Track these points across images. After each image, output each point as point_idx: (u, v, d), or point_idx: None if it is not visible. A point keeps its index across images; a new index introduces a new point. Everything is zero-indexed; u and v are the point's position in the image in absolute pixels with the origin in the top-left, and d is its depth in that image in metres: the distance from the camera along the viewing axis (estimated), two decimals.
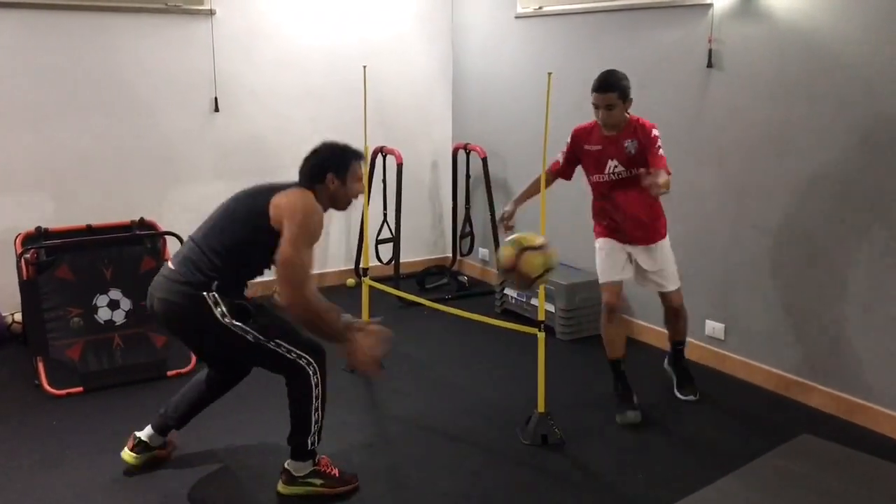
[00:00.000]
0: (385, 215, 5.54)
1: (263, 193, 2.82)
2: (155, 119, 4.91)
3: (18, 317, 4.39)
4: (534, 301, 4.73)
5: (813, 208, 3.69)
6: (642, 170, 3.46)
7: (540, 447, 3.35)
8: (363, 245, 4.45)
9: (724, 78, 4.00)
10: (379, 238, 5.55)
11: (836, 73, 3.53)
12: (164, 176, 5.00)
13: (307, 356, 2.84)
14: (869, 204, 3.47)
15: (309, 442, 2.90)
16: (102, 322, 4.02)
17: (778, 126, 3.79)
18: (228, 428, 3.44)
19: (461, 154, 5.75)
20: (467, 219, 5.77)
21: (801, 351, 3.82)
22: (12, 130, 4.52)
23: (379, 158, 5.48)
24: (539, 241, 3.11)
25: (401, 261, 5.43)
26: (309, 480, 2.92)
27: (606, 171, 3.58)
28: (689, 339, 4.35)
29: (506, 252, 3.11)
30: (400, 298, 4.75)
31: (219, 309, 2.73)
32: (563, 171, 3.79)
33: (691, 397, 3.82)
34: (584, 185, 4.89)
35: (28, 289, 3.98)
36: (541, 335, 3.40)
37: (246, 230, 2.81)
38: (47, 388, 3.79)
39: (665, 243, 3.69)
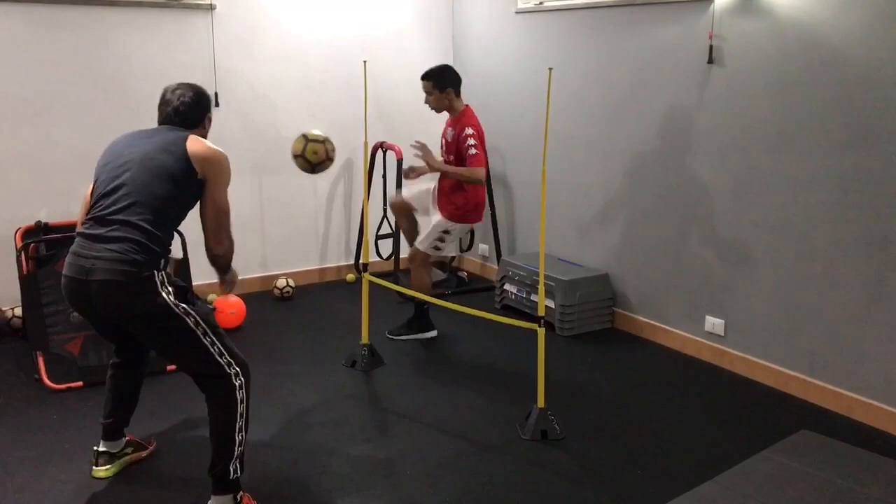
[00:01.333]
0: (385, 211, 5.54)
1: (167, 146, 2.69)
2: (155, 114, 4.87)
3: (18, 311, 4.39)
4: (534, 297, 4.74)
5: (812, 204, 3.69)
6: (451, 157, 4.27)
7: (539, 442, 3.35)
8: (363, 240, 4.45)
9: (724, 74, 3.99)
10: (379, 234, 5.55)
11: (837, 69, 3.53)
12: None
13: (237, 367, 2.66)
14: (868, 200, 3.47)
15: (231, 470, 2.66)
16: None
17: (778, 122, 3.79)
18: None
19: None
20: None
21: (799, 347, 3.82)
22: (12, 125, 4.52)
23: (379, 154, 5.48)
24: (322, 136, 3.73)
25: (400, 256, 5.43)
26: None
27: (440, 149, 4.42)
28: (688, 334, 4.36)
29: (297, 140, 3.72)
30: (399, 294, 4.75)
31: (164, 289, 2.57)
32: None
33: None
34: (582, 183, 4.91)
35: (28, 283, 3.98)
36: (540, 331, 3.40)
37: (173, 187, 2.65)
38: (47, 382, 3.79)
39: (440, 219, 4.32)
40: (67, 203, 4.64)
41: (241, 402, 2.66)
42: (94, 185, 2.77)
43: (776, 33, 3.73)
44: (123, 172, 2.66)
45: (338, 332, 4.67)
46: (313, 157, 3.68)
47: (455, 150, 4.23)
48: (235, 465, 2.67)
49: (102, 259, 2.55)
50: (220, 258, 2.81)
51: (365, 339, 4.18)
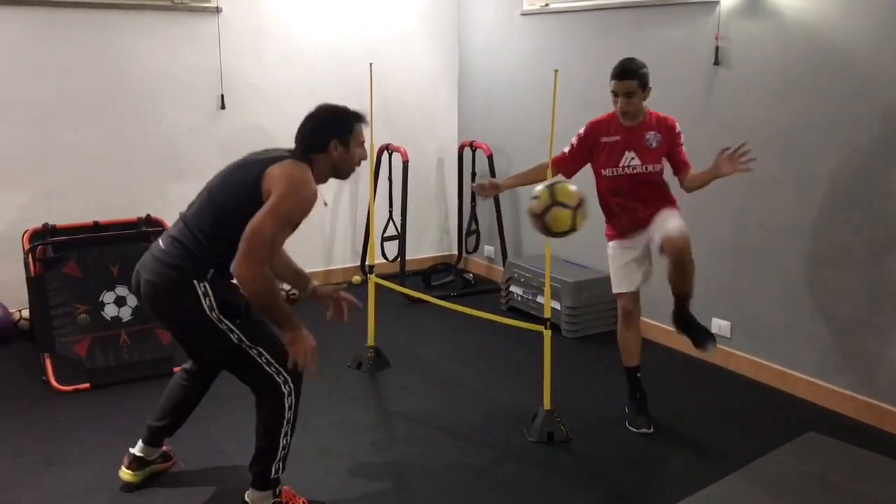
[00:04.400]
0: (391, 212, 5.55)
1: (258, 164, 2.60)
2: (161, 116, 4.92)
3: (26, 313, 4.40)
4: (539, 299, 4.73)
5: (819, 206, 3.68)
6: (658, 167, 3.46)
7: (546, 444, 3.35)
8: (369, 242, 4.46)
9: (730, 75, 3.99)
10: (385, 235, 5.56)
11: (843, 70, 3.52)
12: (171, 173, 5.01)
13: (286, 375, 2.64)
14: (875, 201, 3.47)
15: (273, 469, 2.70)
16: (109, 318, 4.03)
17: (784, 124, 3.78)
18: (234, 425, 3.44)
19: (467, 151, 5.76)
20: (473, 216, 5.77)
21: (806, 348, 3.81)
22: (20, 128, 4.54)
23: (385, 156, 5.48)
24: (574, 199, 3.06)
25: (406, 258, 5.44)
26: None
27: (621, 164, 3.46)
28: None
29: (541, 198, 3.07)
30: (406, 296, 4.75)
31: (207, 301, 2.53)
32: (566, 164, 3.58)
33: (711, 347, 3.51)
34: (593, 183, 4.89)
35: (35, 285, 4.00)
36: (547, 333, 3.40)
37: (235, 202, 2.55)
38: (54, 384, 3.81)
39: (672, 211, 3.51)
40: (74, 206, 4.67)
41: (289, 408, 2.67)
42: None
43: (782, 35, 3.73)
44: (206, 194, 2.68)
45: (344, 333, 4.65)
46: (555, 225, 3.06)
47: (667, 152, 3.49)
48: (278, 466, 2.72)
49: (154, 259, 2.60)
50: (244, 286, 2.46)
51: (371, 341, 4.18)
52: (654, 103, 4.39)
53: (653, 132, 3.46)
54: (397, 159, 5.38)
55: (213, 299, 2.55)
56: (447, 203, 6.20)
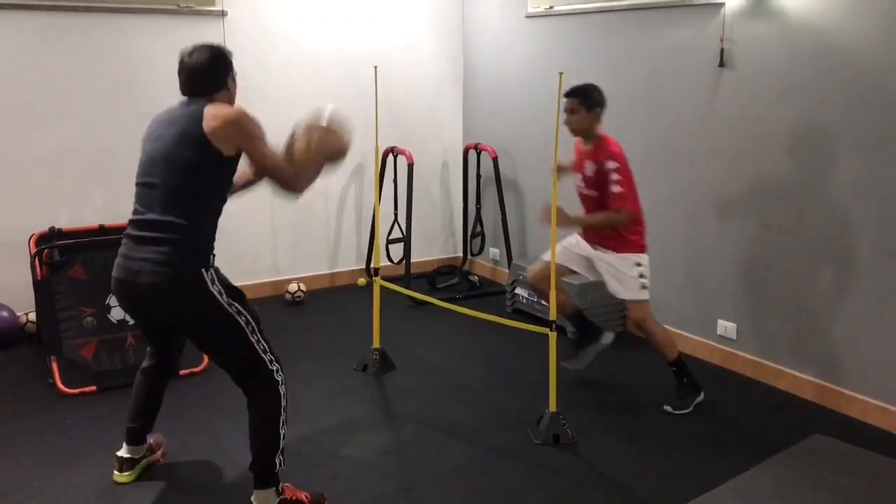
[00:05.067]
0: (396, 215, 5.55)
1: (182, 120, 2.62)
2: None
3: (32, 316, 4.42)
4: (545, 301, 4.73)
5: (824, 207, 3.67)
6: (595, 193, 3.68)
7: (552, 447, 3.35)
8: (374, 245, 4.46)
9: (735, 77, 3.99)
10: (390, 238, 5.56)
11: (848, 72, 3.51)
12: None
13: (278, 364, 2.75)
14: (881, 204, 3.46)
15: (276, 462, 2.74)
16: (115, 321, 4.04)
17: (789, 126, 3.78)
18: (239, 428, 3.44)
19: (472, 154, 5.76)
20: (478, 219, 5.77)
21: (812, 350, 3.80)
22: (25, 131, 4.55)
23: (390, 159, 5.49)
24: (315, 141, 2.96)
25: (412, 260, 5.44)
26: None
27: (576, 182, 3.82)
28: (700, 338, 4.34)
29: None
30: (411, 298, 4.75)
31: (216, 287, 2.61)
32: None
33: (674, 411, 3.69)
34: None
35: (42, 288, 4.01)
36: (552, 335, 3.40)
37: (205, 179, 2.61)
38: (61, 387, 3.82)
39: (627, 258, 3.68)
40: (81, 209, 4.68)
41: (284, 396, 2.75)
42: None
43: (787, 36, 3.72)
44: (154, 174, 2.64)
45: (349, 336, 4.68)
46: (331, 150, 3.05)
47: (596, 184, 3.66)
48: (279, 459, 2.76)
49: (149, 261, 2.57)
50: (306, 181, 2.74)
51: (376, 343, 4.18)
52: (660, 105, 4.41)
53: (591, 161, 3.65)
54: (402, 162, 5.38)
55: (220, 285, 2.63)
56: (452, 205, 6.20)
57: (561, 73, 3.29)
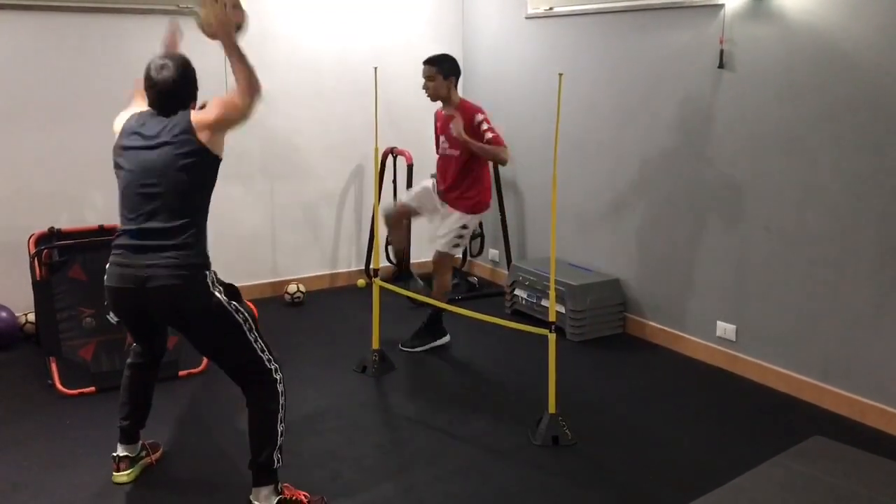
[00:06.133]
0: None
1: (180, 137, 2.68)
2: None
3: (31, 317, 4.42)
4: (544, 302, 4.73)
5: (823, 209, 3.67)
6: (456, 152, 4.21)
7: (551, 448, 3.35)
8: (373, 246, 4.46)
9: (735, 79, 3.99)
10: (389, 239, 5.55)
11: (847, 73, 3.51)
12: None
13: (277, 363, 2.79)
14: (881, 205, 3.46)
15: (275, 459, 2.75)
16: (114, 322, 4.02)
17: (789, 127, 3.78)
18: (238, 428, 3.44)
19: None
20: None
21: (812, 352, 3.80)
22: (25, 131, 4.55)
23: (389, 159, 5.49)
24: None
25: (411, 261, 5.44)
26: None
27: (440, 148, 4.34)
28: (700, 339, 4.34)
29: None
30: (410, 299, 4.75)
31: (216, 288, 2.67)
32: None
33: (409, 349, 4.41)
34: (592, 188, 4.90)
35: (41, 289, 4.01)
36: (551, 336, 3.40)
37: (202, 184, 2.73)
38: (60, 387, 3.81)
39: (456, 216, 4.29)
40: (80, 209, 4.68)
41: (282, 394, 2.79)
42: (121, 188, 2.82)
43: (787, 38, 3.73)
44: (154, 183, 2.68)
45: (348, 337, 4.67)
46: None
47: (462, 144, 4.15)
48: (278, 455, 2.77)
49: (159, 266, 2.61)
50: (252, 89, 2.86)
51: (376, 344, 4.18)
52: (659, 106, 4.41)
53: (458, 122, 4.09)
54: (402, 163, 5.38)
55: (220, 286, 2.70)
56: None
57: (561, 74, 3.29)
